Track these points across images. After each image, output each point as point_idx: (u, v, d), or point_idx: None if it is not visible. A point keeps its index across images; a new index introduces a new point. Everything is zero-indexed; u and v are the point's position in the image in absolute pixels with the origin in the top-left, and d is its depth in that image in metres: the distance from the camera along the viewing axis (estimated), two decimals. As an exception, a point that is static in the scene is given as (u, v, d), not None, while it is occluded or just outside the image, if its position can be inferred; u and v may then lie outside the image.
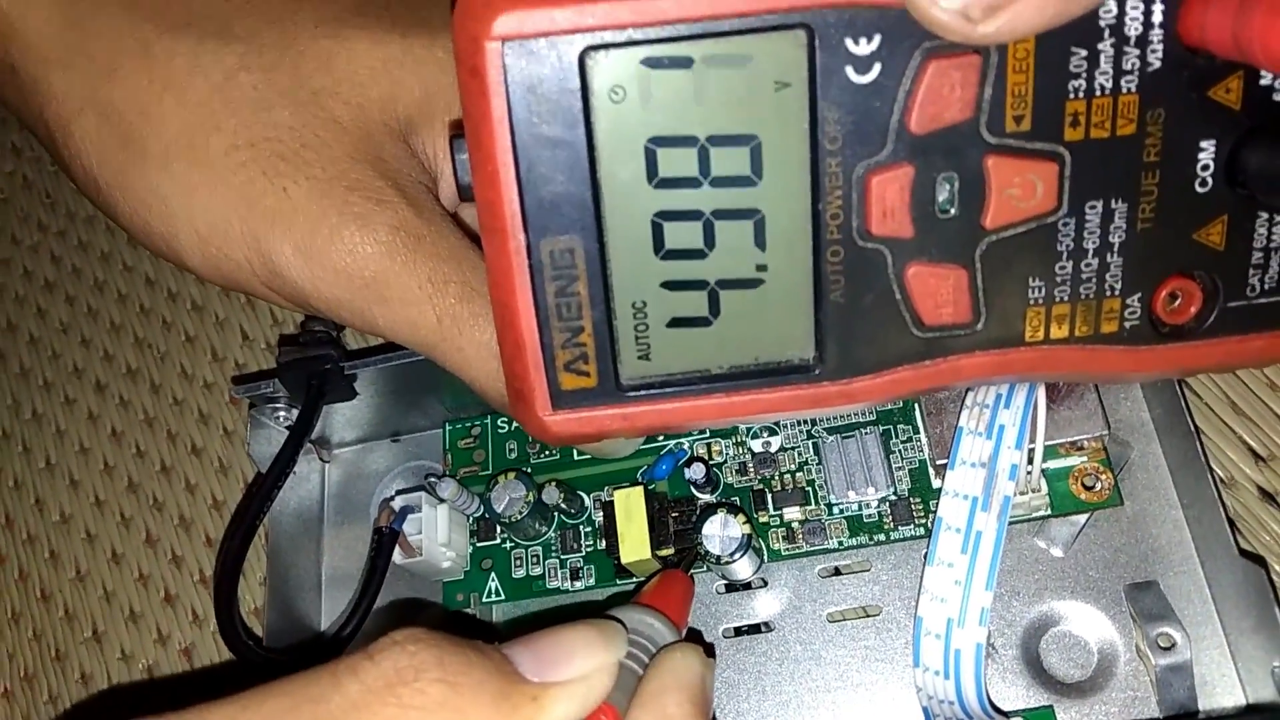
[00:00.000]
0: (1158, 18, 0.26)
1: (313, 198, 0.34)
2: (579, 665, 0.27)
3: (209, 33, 0.36)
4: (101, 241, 0.63)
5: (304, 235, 0.34)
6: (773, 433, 0.42)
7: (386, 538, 0.40)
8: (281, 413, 0.45)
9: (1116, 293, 0.29)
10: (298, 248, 0.34)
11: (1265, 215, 0.29)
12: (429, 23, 0.37)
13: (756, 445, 0.42)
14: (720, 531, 0.39)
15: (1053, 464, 0.38)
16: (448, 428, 0.46)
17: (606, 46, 0.26)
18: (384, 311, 0.35)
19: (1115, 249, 0.29)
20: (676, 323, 0.30)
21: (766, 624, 0.42)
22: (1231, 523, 0.37)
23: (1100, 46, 0.26)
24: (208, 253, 0.35)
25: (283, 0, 0.37)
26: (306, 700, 0.24)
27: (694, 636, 0.40)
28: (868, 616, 0.41)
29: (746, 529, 0.39)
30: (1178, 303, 0.30)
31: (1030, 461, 0.36)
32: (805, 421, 0.42)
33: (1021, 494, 0.37)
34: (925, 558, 0.36)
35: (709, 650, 0.32)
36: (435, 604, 0.43)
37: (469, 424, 0.46)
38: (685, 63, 0.26)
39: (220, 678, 0.49)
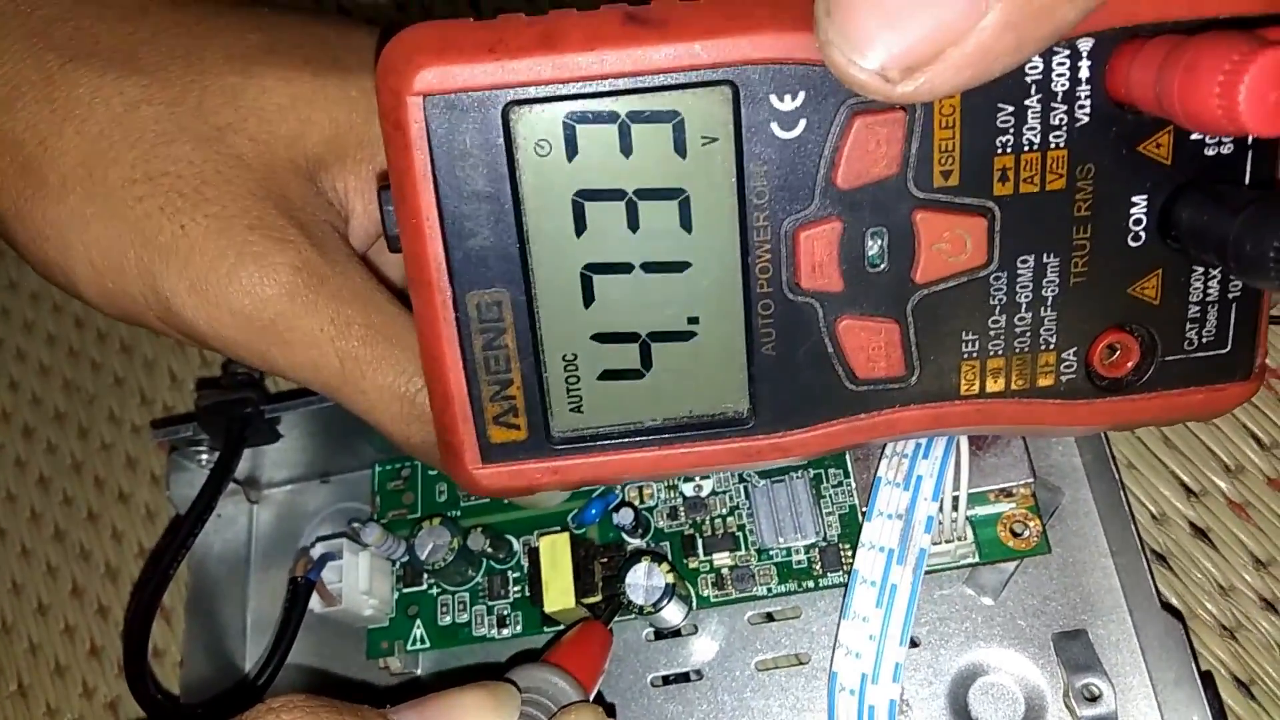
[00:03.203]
0: (1084, 74, 0.28)
1: (210, 236, 0.34)
2: None
3: (113, 63, 0.36)
4: (31, 282, 0.64)
5: (200, 274, 0.35)
6: (705, 476, 0.43)
7: (302, 587, 0.41)
8: (204, 455, 0.46)
9: (1052, 346, 0.31)
10: (193, 287, 0.35)
11: (1200, 269, 0.30)
12: (343, 62, 0.38)
13: (688, 489, 0.43)
14: (644, 581, 0.40)
15: (981, 510, 0.39)
16: (377, 469, 0.47)
17: (530, 101, 0.27)
18: (284, 353, 0.35)
19: (1049, 303, 0.30)
20: (608, 375, 0.31)
21: (697, 672, 0.43)
22: (1163, 559, 0.39)
23: (1027, 102, 0.28)
24: (103, 286, 0.36)
25: (192, 34, 0.38)
26: None
27: (599, 699, 0.41)
28: (800, 664, 0.42)
29: (670, 577, 0.40)
30: (1115, 356, 0.31)
31: (956, 508, 0.38)
32: (737, 464, 0.43)
33: (947, 542, 0.38)
34: (840, 611, 0.37)
35: (610, 710, 0.33)
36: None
37: (398, 466, 0.47)
38: (611, 118, 0.28)
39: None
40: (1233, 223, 0.26)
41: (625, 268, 0.29)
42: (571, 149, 0.28)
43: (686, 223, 0.29)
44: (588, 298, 0.30)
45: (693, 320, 0.30)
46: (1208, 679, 0.37)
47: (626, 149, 0.28)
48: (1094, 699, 0.38)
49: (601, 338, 0.30)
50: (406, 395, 0.35)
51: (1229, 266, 0.27)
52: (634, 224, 0.29)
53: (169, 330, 0.37)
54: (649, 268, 0.29)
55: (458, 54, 0.27)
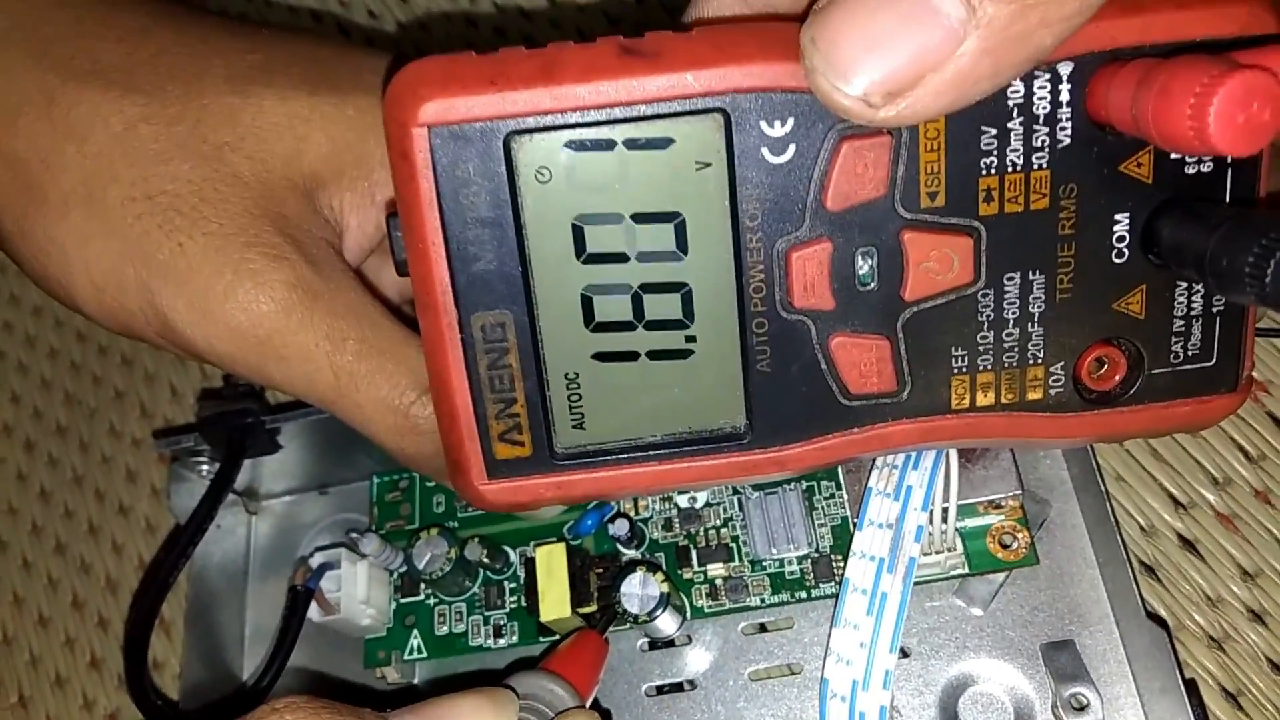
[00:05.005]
0: (1065, 97, 0.29)
1: (208, 254, 0.36)
2: None
3: (113, 83, 0.38)
4: (34, 296, 0.66)
5: (198, 292, 0.36)
6: (701, 488, 0.45)
7: (301, 595, 0.43)
8: (205, 465, 0.48)
9: (1040, 361, 0.32)
10: (191, 304, 0.36)
11: (1183, 284, 0.31)
12: (339, 82, 0.40)
13: (683, 501, 0.45)
14: (639, 590, 0.41)
15: (971, 522, 0.41)
16: (375, 480, 0.49)
17: (530, 131, 0.29)
18: (281, 368, 0.37)
19: (1036, 319, 0.32)
20: (609, 392, 0.32)
21: (691, 682, 0.44)
22: (1152, 570, 0.40)
23: (1010, 125, 0.29)
24: (103, 302, 0.37)
25: (191, 55, 0.39)
26: None
27: (595, 707, 0.42)
28: (792, 674, 0.44)
29: (665, 587, 0.41)
30: (1103, 370, 0.32)
31: (945, 520, 0.39)
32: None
33: (937, 553, 0.40)
34: (832, 619, 0.38)
35: (605, 716, 0.34)
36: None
37: (396, 477, 0.48)
38: (608, 145, 0.29)
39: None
40: (1210, 238, 0.27)
41: (624, 289, 0.31)
42: (571, 176, 0.29)
43: (682, 245, 0.30)
44: (588, 318, 0.31)
45: (690, 339, 0.32)
46: (1191, 687, 0.38)
47: (623, 175, 0.29)
48: (1082, 708, 0.40)
49: (602, 357, 0.32)
50: (400, 408, 0.37)
51: (1208, 282, 0.28)
52: (632, 246, 0.30)
53: (167, 345, 0.38)
54: (647, 288, 0.31)
55: (460, 87, 0.28)
